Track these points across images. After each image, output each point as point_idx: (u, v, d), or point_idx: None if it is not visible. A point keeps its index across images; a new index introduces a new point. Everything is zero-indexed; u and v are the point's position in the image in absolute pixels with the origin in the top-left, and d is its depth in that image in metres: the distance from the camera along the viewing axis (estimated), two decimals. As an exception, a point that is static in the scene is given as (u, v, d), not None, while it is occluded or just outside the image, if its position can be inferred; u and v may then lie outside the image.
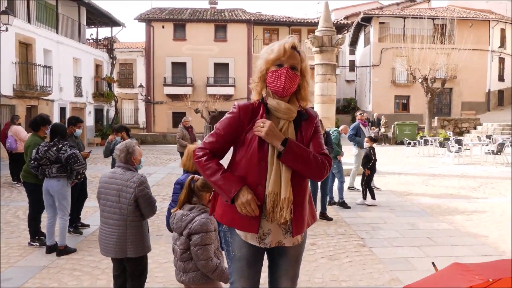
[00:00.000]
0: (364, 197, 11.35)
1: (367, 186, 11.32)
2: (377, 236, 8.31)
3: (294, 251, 3.28)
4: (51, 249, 7.24)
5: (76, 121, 9.12)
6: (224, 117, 3.21)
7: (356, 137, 12.86)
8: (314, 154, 3.10)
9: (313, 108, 17.31)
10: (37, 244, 7.66)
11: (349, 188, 13.21)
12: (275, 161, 3.04)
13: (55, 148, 7.11)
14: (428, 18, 37.65)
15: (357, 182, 13.21)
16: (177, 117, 39.73)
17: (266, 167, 3.05)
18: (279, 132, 3.04)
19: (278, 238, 3.16)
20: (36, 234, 7.81)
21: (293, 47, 3.12)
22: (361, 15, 41.17)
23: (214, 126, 3.28)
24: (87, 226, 9.06)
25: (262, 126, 2.99)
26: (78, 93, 29.41)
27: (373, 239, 8.08)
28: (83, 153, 9.01)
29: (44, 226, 7.70)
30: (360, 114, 13.70)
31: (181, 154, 14.65)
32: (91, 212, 10.17)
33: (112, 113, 35.26)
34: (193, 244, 3.95)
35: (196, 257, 3.96)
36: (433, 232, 8.55)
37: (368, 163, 11.32)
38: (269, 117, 3.13)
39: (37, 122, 8.00)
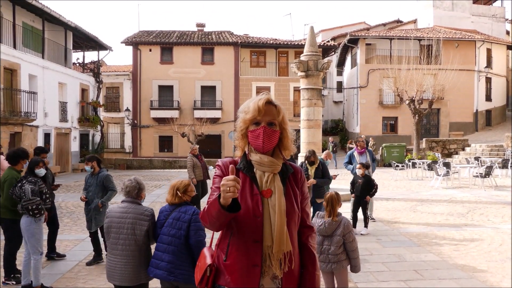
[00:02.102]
0: (366, 225, 11.19)
1: (364, 212, 11.16)
2: (363, 269, 8.08)
3: None
4: (25, 289, 6.98)
5: (40, 152, 9.16)
6: (213, 177, 3.14)
7: (349, 165, 12.77)
8: (318, 273, 3.20)
9: (299, 131, 17.22)
10: (13, 282, 7.44)
11: (371, 219, 12.50)
12: (271, 214, 2.96)
13: (19, 184, 6.97)
14: (414, 39, 37.84)
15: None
16: (164, 141, 39.52)
17: (261, 222, 2.96)
18: None
19: None
20: (11, 271, 7.56)
21: (268, 102, 3.07)
22: (348, 37, 41.43)
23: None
24: (63, 256, 8.95)
25: None
26: (63, 118, 29.19)
27: (359, 274, 7.86)
28: (52, 186, 8.95)
29: (20, 263, 7.44)
30: (362, 141, 13.44)
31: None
32: (71, 246, 9.93)
33: (98, 138, 35.03)
34: (349, 240, 5.92)
35: (352, 248, 5.94)
36: (420, 265, 8.38)
37: (371, 189, 11.08)
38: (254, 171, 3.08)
39: (17, 155, 7.74)
